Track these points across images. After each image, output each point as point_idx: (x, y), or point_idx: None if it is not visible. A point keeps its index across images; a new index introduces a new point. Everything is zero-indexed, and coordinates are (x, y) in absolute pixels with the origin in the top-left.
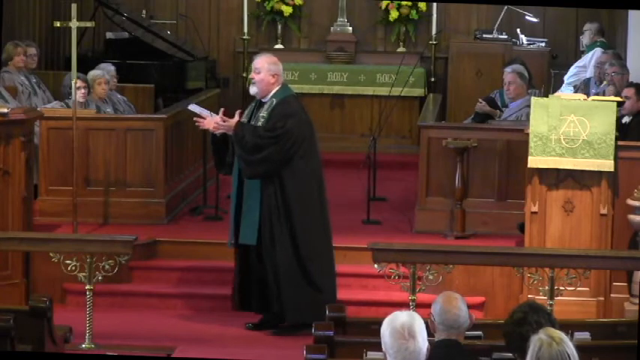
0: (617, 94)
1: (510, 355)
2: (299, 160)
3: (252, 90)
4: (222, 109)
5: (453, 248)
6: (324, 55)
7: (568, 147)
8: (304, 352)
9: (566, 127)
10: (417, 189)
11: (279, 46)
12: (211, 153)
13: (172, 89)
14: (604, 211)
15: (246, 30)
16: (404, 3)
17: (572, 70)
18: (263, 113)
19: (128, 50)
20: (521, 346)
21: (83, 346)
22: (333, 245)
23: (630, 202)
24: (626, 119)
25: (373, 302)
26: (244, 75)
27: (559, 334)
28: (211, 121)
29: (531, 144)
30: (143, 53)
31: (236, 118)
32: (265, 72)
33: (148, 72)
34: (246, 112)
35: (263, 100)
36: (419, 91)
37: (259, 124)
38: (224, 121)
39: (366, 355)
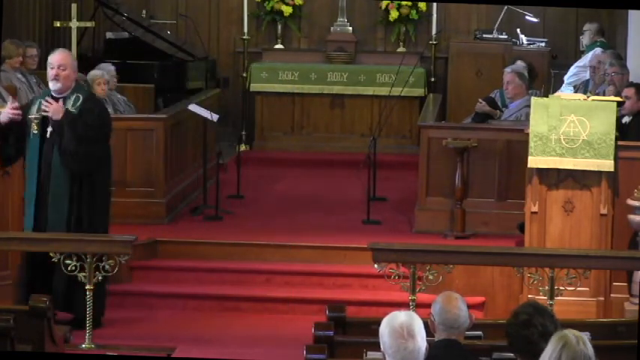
0: (617, 94)
1: (511, 355)
2: (107, 158)
3: (56, 86)
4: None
5: (453, 248)
6: (324, 55)
7: (568, 147)
8: (304, 352)
9: (566, 127)
10: (417, 189)
11: (279, 46)
12: None
13: (172, 89)
14: (604, 211)
15: (246, 30)
16: (404, 3)
17: (572, 70)
18: (70, 108)
19: (128, 50)
20: (525, 349)
21: (83, 346)
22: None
23: (630, 202)
24: (626, 119)
25: (373, 302)
26: (244, 75)
27: (581, 335)
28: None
29: (531, 144)
30: (143, 53)
31: (60, 104)
32: (70, 68)
33: (148, 72)
34: (32, 109)
35: (59, 95)
36: (419, 91)
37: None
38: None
39: (366, 355)
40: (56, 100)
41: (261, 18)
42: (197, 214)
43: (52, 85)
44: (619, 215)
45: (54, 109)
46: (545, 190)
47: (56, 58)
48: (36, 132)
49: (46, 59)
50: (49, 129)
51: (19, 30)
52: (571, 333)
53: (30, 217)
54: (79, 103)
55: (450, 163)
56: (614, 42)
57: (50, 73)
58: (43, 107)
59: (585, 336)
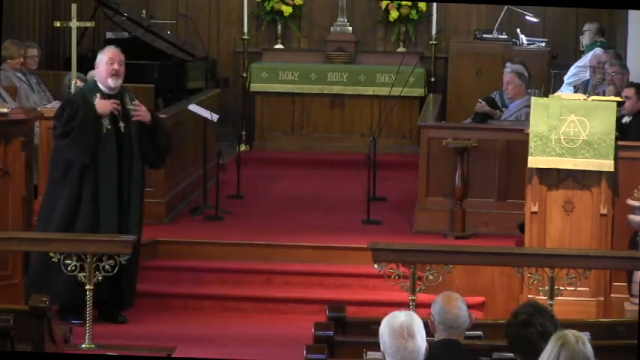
0: (617, 94)
1: (511, 355)
2: None
3: (117, 82)
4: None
5: (453, 248)
6: (324, 55)
7: (568, 147)
8: (304, 352)
9: (566, 127)
10: (417, 189)
11: (279, 46)
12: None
13: (172, 89)
14: (604, 211)
15: (246, 30)
16: (404, 3)
17: (572, 70)
18: (130, 106)
19: (128, 50)
20: (525, 349)
21: (83, 346)
22: None
23: (630, 202)
24: (626, 119)
25: (373, 302)
26: (244, 75)
27: (581, 334)
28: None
29: (531, 144)
30: (143, 53)
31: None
32: (124, 64)
33: (148, 72)
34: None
35: (112, 92)
36: (419, 91)
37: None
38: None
39: (366, 355)
40: (109, 96)
41: (261, 18)
42: (197, 214)
43: (114, 82)
44: (619, 215)
45: (144, 112)
46: (545, 190)
47: (117, 53)
48: (110, 127)
49: (46, 59)
50: (122, 124)
51: (19, 30)
52: (570, 333)
53: (113, 217)
54: (136, 102)
55: (450, 163)
56: (614, 42)
57: (110, 68)
58: (134, 113)
59: (585, 336)
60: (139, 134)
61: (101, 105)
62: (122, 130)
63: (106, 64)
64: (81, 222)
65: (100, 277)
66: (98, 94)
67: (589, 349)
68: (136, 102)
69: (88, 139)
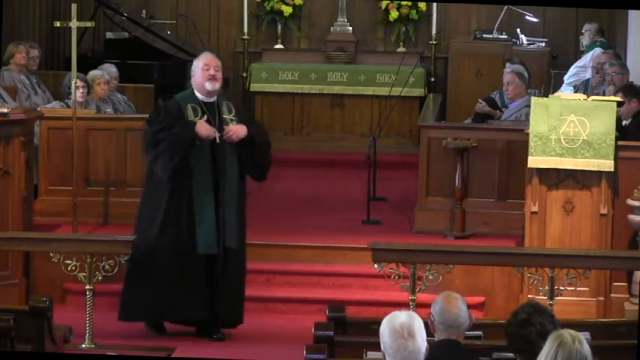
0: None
1: (511, 355)
2: None
3: (215, 87)
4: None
5: (453, 248)
6: (324, 55)
7: (568, 147)
8: (304, 352)
9: (566, 127)
10: (417, 189)
11: (279, 46)
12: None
13: (172, 89)
14: (604, 211)
15: (246, 30)
16: (404, 3)
17: (572, 70)
18: (230, 116)
19: (128, 50)
20: (524, 348)
21: (83, 346)
22: None
23: (630, 202)
24: (625, 122)
25: (373, 302)
26: (244, 75)
27: (578, 334)
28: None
29: (531, 144)
30: (143, 53)
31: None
32: (222, 71)
33: (148, 72)
34: (186, 113)
35: (208, 100)
36: (419, 91)
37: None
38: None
39: (366, 355)
40: (206, 104)
41: (261, 18)
42: None
43: (211, 85)
44: (619, 215)
45: (233, 132)
46: (545, 190)
47: (212, 59)
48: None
49: (46, 59)
50: (217, 134)
51: (19, 30)
52: (567, 332)
53: (211, 228)
54: (233, 113)
55: (450, 163)
56: (614, 42)
57: (206, 74)
58: (227, 136)
59: (585, 336)
60: (238, 147)
61: (203, 129)
62: (217, 140)
63: (202, 70)
64: (173, 235)
65: (100, 277)
66: (204, 118)
67: (586, 349)
68: (231, 128)
69: (174, 159)
